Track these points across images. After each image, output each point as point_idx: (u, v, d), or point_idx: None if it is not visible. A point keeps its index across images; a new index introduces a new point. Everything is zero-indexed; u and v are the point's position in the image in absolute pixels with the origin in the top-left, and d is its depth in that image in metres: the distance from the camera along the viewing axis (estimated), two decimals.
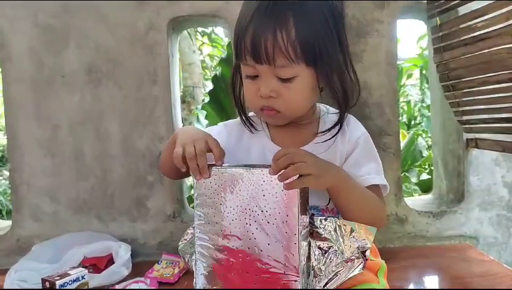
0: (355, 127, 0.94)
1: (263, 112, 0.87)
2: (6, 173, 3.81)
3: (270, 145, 0.92)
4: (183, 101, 4.17)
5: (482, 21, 1.13)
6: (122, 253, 1.24)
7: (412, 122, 4.52)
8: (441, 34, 1.31)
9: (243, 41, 0.80)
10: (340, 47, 0.85)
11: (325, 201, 0.91)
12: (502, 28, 1.05)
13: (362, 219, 0.83)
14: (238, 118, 1.00)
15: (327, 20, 0.81)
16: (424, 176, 2.53)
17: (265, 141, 0.93)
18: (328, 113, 0.95)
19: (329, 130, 0.90)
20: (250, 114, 0.98)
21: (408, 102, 4.81)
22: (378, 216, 0.89)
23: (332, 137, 0.90)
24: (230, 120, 1.03)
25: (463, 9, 1.23)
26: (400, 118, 4.28)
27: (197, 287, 0.78)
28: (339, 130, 0.91)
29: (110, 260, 1.25)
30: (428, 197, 1.59)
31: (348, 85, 0.87)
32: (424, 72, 4.57)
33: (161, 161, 0.95)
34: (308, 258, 0.73)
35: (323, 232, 0.74)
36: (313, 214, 0.78)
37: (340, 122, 0.90)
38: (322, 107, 0.97)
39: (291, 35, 0.77)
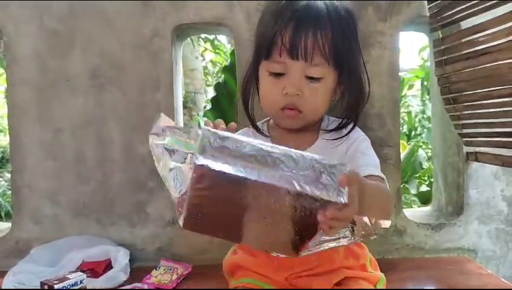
0: (354, 131, 0.97)
1: (283, 112, 0.89)
2: (7, 175, 3.81)
3: None
4: (184, 107, 4.16)
5: (483, 36, 1.14)
6: (121, 258, 1.24)
7: (413, 133, 4.53)
8: (442, 47, 1.32)
9: (281, 37, 0.84)
10: (360, 53, 0.92)
11: None
12: (503, 43, 1.06)
13: (379, 216, 0.82)
14: (240, 131, 1.03)
15: (352, 28, 0.89)
16: (424, 188, 2.53)
17: None
18: (330, 117, 0.99)
19: (335, 129, 0.95)
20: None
21: (409, 113, 4.82)
22: (390, 208, 0.95)
23: (341, 137, 0.94)
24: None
25: (465, 24, 1.24)
26: (401, 128, 4.30)
27: None
28: (350, 131, 0.95)
29: (108, 265, 1.25)
30: (427, 209, 1.59)
31: (364, 89, 0.94)
32: (425, 83, 4.58)
33: None
34: None
35: None
36: None
37: (356, 121, 0.95)
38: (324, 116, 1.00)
39: (328, 36, 0.84)
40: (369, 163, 0.92)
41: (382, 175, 0.91)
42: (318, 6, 0.85)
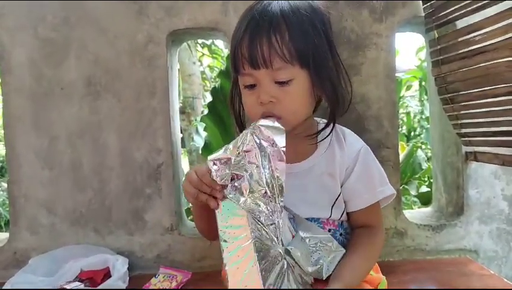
0: (353, 142, 0.96)
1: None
2: (5, 185, 3.80)
3: None
4: (182, 112, 4.18)
5: (479, 35, 1.13)
6: (119, 266, 1.23)
7: (412, 134, 4.53)
8: (438, 47, 1.31)
9: (240, 50, 0.84)
10: (330, 50, 0.89)
11: (326, 214, 0.92)
12: (499, 41, 1.06)
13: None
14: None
15: (315, 24, 0.86)
16: (424, 189, 2.52)
17: None
18: (320, 122, 0.97)
19: (321, 130, 0.93)
20: None
21: (408, 113, 4.82)
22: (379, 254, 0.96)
23: (327, 136, 0.93)
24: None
25: (461, 23, 1.24)
26: (400, 129, 4.29)
27: None
28: (331, 131, 0.93)
29: (107, 274, 1.24)
30: (427, 210, 1.58)
31: (340, 88, 0.90)
32: (423, 83, 4.59)
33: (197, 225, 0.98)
34: None
35: None
36: None
37: (333, 121, 0.92)
38: (320, 120, 0.98)
39: (285, 37, 0.82)
40: (376, 184, 0.93)
41: (389, 192, 0.94)
42: (272, 10, 0.83)
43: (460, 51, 1.21)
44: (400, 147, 1.46)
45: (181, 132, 2.03)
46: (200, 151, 2.33)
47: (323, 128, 0.93)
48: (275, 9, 0.84)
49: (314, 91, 0.88)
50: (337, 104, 0.90)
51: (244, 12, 0.88)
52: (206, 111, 2.37)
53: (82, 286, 1.07)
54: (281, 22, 0.82)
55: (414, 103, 5.04)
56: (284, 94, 0.84)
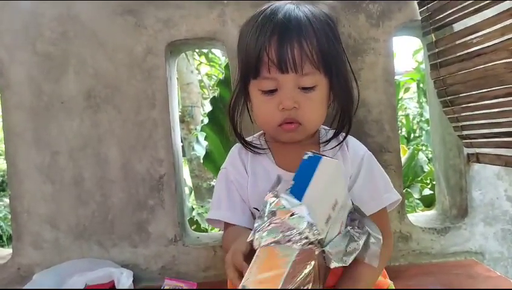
0: (356, 148, 0.95)
1: (282, 128, 0.87)
2: (6, 200, 3.79)
3: (275, 169, 0.92)
4: (182, 121, 4.18)
5: (477, 37, 1.14)
6: (124, 280, 1.22)
7: (412, 136, 4.52)
8: (436, 50, 1.31)
9: (266, 54, 0.81)
10: (344, 55, 0.90)
11: None
12: (497, 43, 1.06)
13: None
14: (236, 146, 1.00)
15: (333, 29, 0.87)
16: (427, 191, 2.51)
17: (269, 165, 0.93)
18: (328, 130, 0.97)
19: (331, 139, 0.93)
20: (248, 139, 0.99)
21: (407, 115, 4.81)
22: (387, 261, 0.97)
23: (337, 145, 0.92)
24: (232, 148, 1.02)
25: (458, 26, 1.24)
26: (399, 131, 4.28)
27: None
28: (345, 138, 0.93)
29: (112, 287, 1.23)
30: (431, 213, 1.58)
31: (353, 93, 0.91)
32: (421, 85, 4.58)
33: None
34: None
35: None
36: None
37: (349, 128, 0.93)
38: (322, 126, 0.98)
39: (313, 42, 0.82)
40: (381, 190, 0.92)
41: (395, 198, 0.93)
42: (297, 15, 0.83)
43: (459, 54, 1.22)
44: (401, 150, 1.45)
45: (181, 141, 2.03)
46: (202, 161, 2.33)
47: (334, 136, 0.93)
48: (300, 14, 0.83)
49: (330, 98, 0.89)
50: (352, 111, 0.91)
51: (262, 17, 0.85)
52: (205, 120, 2.38)
53: None
54: (309, 27, 0.82)
55: (413, 105, 5.03)
56: (306, 100, 0.84)
